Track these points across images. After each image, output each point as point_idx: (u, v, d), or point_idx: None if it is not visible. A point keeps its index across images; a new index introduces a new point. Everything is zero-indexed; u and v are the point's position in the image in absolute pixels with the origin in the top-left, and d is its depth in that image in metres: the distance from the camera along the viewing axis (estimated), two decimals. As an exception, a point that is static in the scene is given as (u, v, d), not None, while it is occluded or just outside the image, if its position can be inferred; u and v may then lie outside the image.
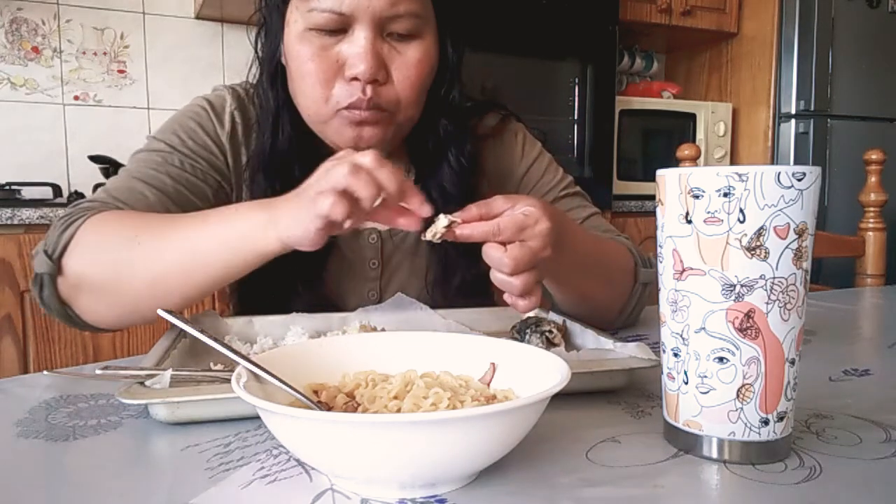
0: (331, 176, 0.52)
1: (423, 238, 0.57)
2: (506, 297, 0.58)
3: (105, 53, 2.14)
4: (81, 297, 0.66)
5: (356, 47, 0.70)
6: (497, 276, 0.57)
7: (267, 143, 0.78)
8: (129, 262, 0.63)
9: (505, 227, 0.56)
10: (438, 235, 0.56)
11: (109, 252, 0.64)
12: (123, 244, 0.63)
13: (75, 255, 0.64)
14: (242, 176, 0.81)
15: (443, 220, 0.56)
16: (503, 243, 0.56)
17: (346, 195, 0.51)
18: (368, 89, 0.71)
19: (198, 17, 2.20)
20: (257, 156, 0.79)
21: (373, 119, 0.73)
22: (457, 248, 0.81)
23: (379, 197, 0.52)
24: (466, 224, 0.56)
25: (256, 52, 0.80)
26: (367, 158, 0.53)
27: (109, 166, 1.88)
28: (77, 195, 1.82)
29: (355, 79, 0.71)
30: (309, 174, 0.56)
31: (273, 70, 0.78)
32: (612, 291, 0.77)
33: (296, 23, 0.72)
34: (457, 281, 0.83)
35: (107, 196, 0.72)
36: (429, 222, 0.57)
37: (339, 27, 0.70)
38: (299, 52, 0.72)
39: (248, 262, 0.60)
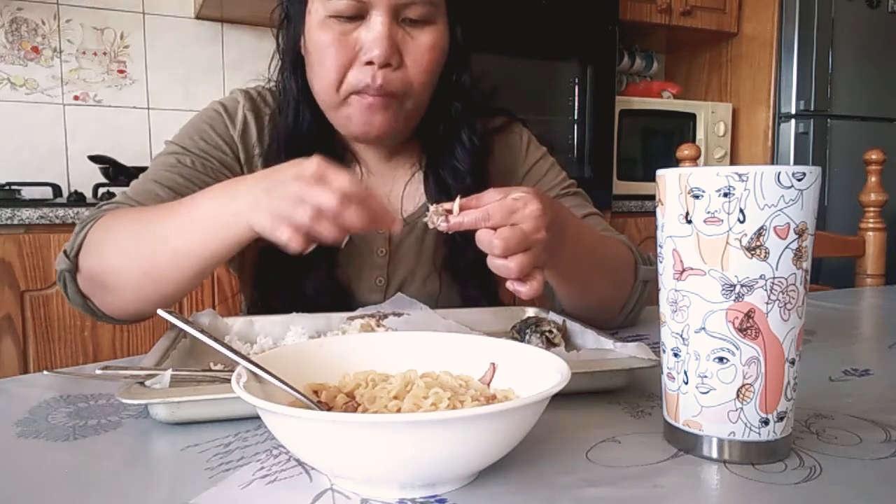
0: (296, 213, 0.53)
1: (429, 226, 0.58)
2: (508, 284, 0.58)
3: (105, 53, 2.14)
4: (97, 291, 0.70)
5: (373, 32, 0.73)
6: (493, 262, 0.56)
7: (290, 127, 0.82)
8: (126, 257, 0.67)
9: (494, 212, 0.55)
10: (432, 226, 0.57)
11: (110, 248, 0.68)
12: (121, 240, 0.68)
13: (87, 253, 0.69)
14: (255, 170, 0.84)
15: (431, 216, 0.57)
16: (495, 229, 0.55)
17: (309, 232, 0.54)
18: (379, 76, 0.74)
19: (198, 17, 2.19)
20: (277, 139, 0.82)
21: (383, 104, 0.76)
22: (463, 234, 0.82)
23: (346, 237, 0.55)
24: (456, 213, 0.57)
25: (278, 44, 0.84)
26: (329, 198, 0.52)
27: (109, 166, 1.88)
28: (77, 195, 1.82)
29: (370, 63, 0.74)
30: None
31: (293, 59, 0.82)
32: (615, 287, 0.77)
33: (317, 11, 0.75)
34: (465, 266, 0.85)
35: (124, 198, 0.77)
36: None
37: (358, 13, 0.74)
38: (320, 38, 0.75)
39: (226, 251, 0.62)
